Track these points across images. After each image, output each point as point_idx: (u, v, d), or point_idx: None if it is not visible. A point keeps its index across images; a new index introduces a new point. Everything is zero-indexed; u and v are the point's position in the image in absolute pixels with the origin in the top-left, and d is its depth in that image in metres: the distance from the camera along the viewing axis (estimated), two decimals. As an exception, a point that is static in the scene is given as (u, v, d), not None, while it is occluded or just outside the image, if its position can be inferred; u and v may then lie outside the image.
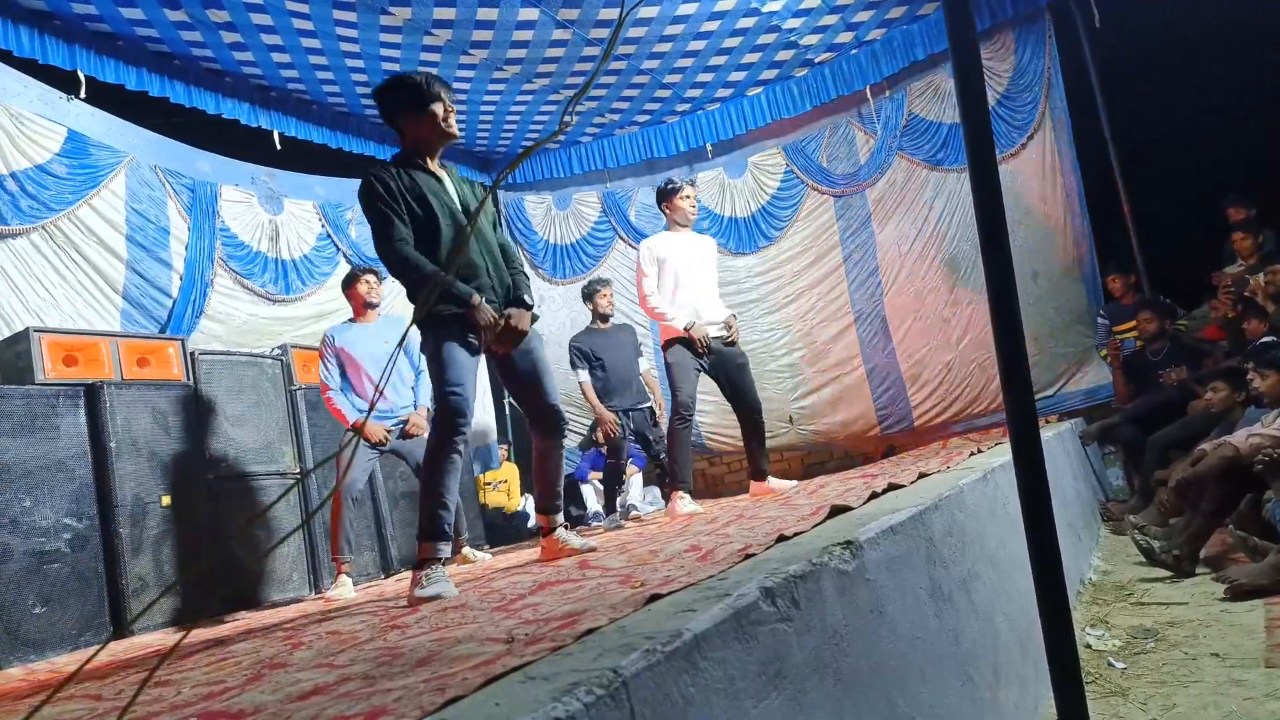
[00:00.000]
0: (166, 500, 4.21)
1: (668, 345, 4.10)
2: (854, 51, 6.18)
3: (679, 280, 4.12)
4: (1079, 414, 5.90)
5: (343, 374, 4.28)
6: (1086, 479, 5.12)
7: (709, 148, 6.82)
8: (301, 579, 4.73)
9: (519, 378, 2.84)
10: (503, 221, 7.69)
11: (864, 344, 6.48)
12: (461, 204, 2.73)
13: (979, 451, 3.76)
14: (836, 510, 1.86)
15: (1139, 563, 3.62)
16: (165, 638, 3.64)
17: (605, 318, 5.19)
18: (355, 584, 4.25)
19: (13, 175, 4.45)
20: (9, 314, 4.39)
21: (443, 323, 2.60)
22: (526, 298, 2.81)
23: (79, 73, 4.72)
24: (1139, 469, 4.98)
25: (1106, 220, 6.04)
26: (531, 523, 6.77)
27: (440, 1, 4.74)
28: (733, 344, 4.18)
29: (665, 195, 4.25)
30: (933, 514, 1.82)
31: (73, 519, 3.86)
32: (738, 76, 6.25)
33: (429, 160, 2.72)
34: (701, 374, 4.16)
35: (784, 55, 6.05)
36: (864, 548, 1.41)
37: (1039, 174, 5.98)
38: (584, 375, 5.08)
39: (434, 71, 2.79)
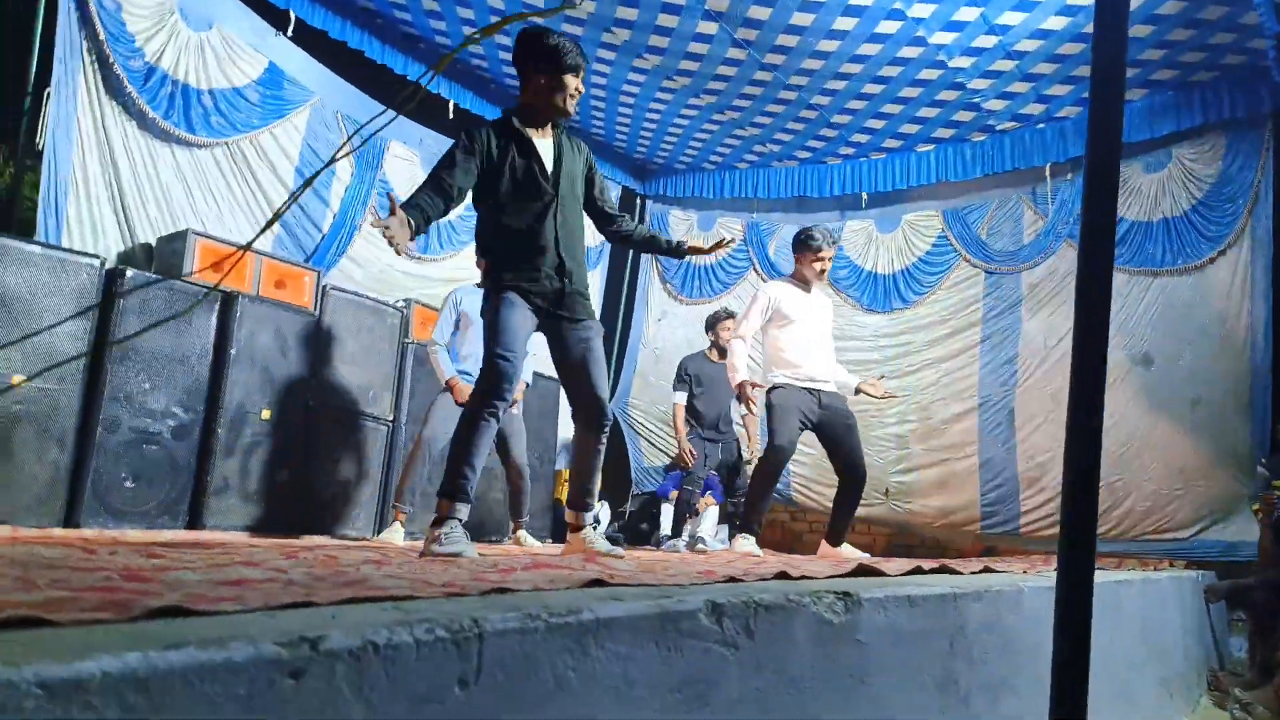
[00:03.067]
0: (267, 414, 4.45)
1: (774, 388, 3.98)
2: (1040, 125, 5.82)
3: (798, 330, 4.01)
4: (1213, 566, 5.25)
5: (455, 334, 4.43)
6: (1200, 638, 4.54)
7: (864, 196, 6.61)
8: (367, 522, 4.88)
9: (569, 363, 2.78)
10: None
11: (983, 432, 6.05)
12: (564, 172, 2.69)
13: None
14: (865, 570, 1.70)
15: (1235, 740, 3.16)
16: (233, 537, 3.83)
17: (723, 351, 5.16)
18: (410, 537, 4.34)
19: (210, 92, 4.87)
20: (177, 214, 4.79)
21: (504, 287, 2.61)
22: (665, 240, 3.07)
23: (290, 12, 5.14)
24: (1265, 642, 4.37)
25: (1293, 361, 5.38)
26: (602, 527, 6.73)
27: (624, 0, 4.83)
28: (884, 396, 4.17)
29: (804, 247, 4.07)
30: (971, 602, 1.62)
31: (180, 409, 4.13)
32: (909, 129, 6.02)
33: (535, 129, 2.67)
34: (806, 428, 4.02)
35: (963, 116, 5.78)
36: (864, 605, 1.25)
37: (1224, 294, 5.40)
38: (680, 397, 5.08)
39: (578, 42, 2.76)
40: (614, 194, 2.90)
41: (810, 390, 3.93)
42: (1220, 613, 5.09)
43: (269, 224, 1.33)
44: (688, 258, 3.34)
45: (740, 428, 5.25)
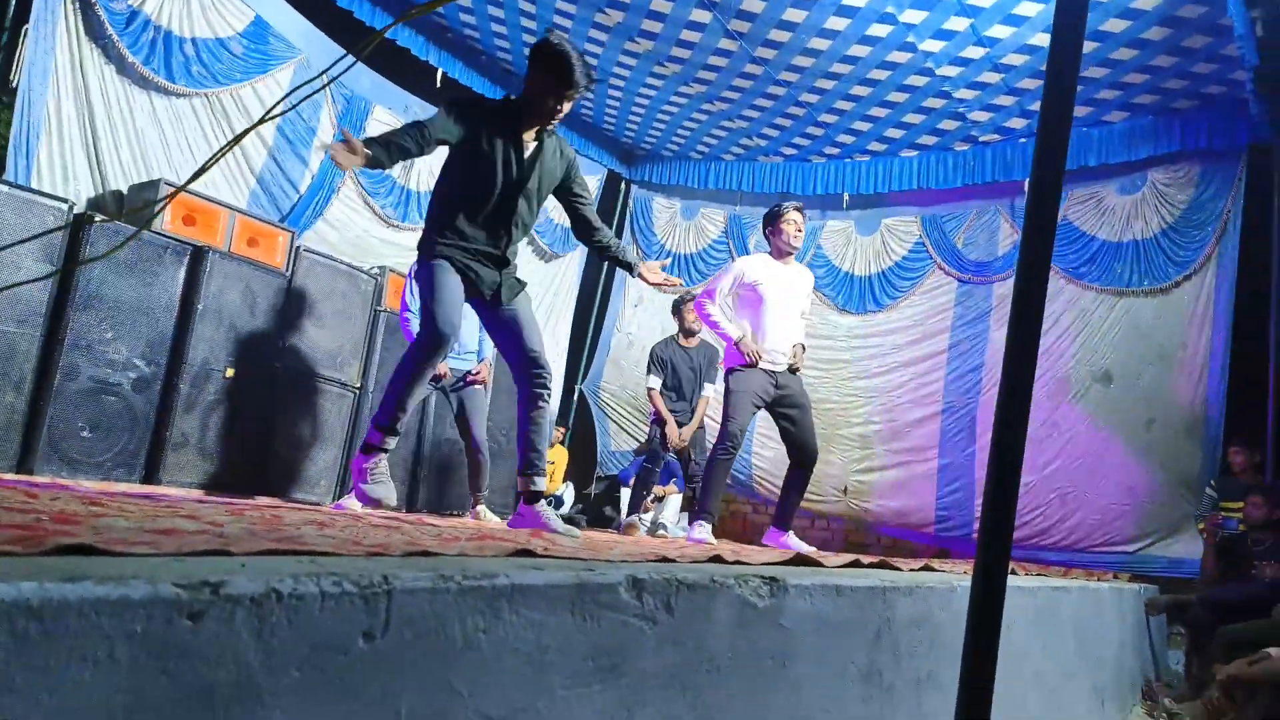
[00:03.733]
0: (230, 372, 4.41)
1: (731, 371, 3.99)
2: (1023, 140, 5.89)
3: (768, 309, 3.98)
4: (1155, 581, 5.39)
5: None
6: (1137, 650, 4.66)
7: (846, 197, 6.65)
8: (328, 487, 4.87)
9: (502, 327, 2.95)
10: (629, 217, 7.75)
11: (945, 438, 6.15)
12: (538, 169, 2.82)
13: (1028, 573, 3.48)
14: (801, 560, 1.73)
15: (1158, 751, 3.26)
16: (187, 494, 3.81)
17: (691, 333, 5.19)
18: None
19: (192, 41, 4.80)
20: (151, 162, 4.72)
21: (441, 254, 2.76)
22: (630, 258, 3.13)
23: (280, -34, 5.07)
24: (1201, 657, 4.50)
25: (1247, 388, 5.50)
26: (565, 508, 6.76)
27: (620, -19, 4.82)
28: (794, 371, 4.01)
29: (771, 219, 4.08)
30: (902, 596, 1.67)
31: (142, 362, 4.09)
32: (894, 134, 6.07)
33: (525, 125, 2.78)
34: (761, 409, 4.03)
35: (948, 125, 5.83)
36: (790, 591, 1.29)
37: (1185, 319, 5.52)
38: (654, 382, 5.11)
39: (595, 65, 2.90)
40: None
41: (768, 372, 3.94)
42: (1160, 626, 5.22)
43: (203, 168, 1.33)
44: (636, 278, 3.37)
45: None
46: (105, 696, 0.52)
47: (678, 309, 5.24)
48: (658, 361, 5.15)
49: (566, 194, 3.01)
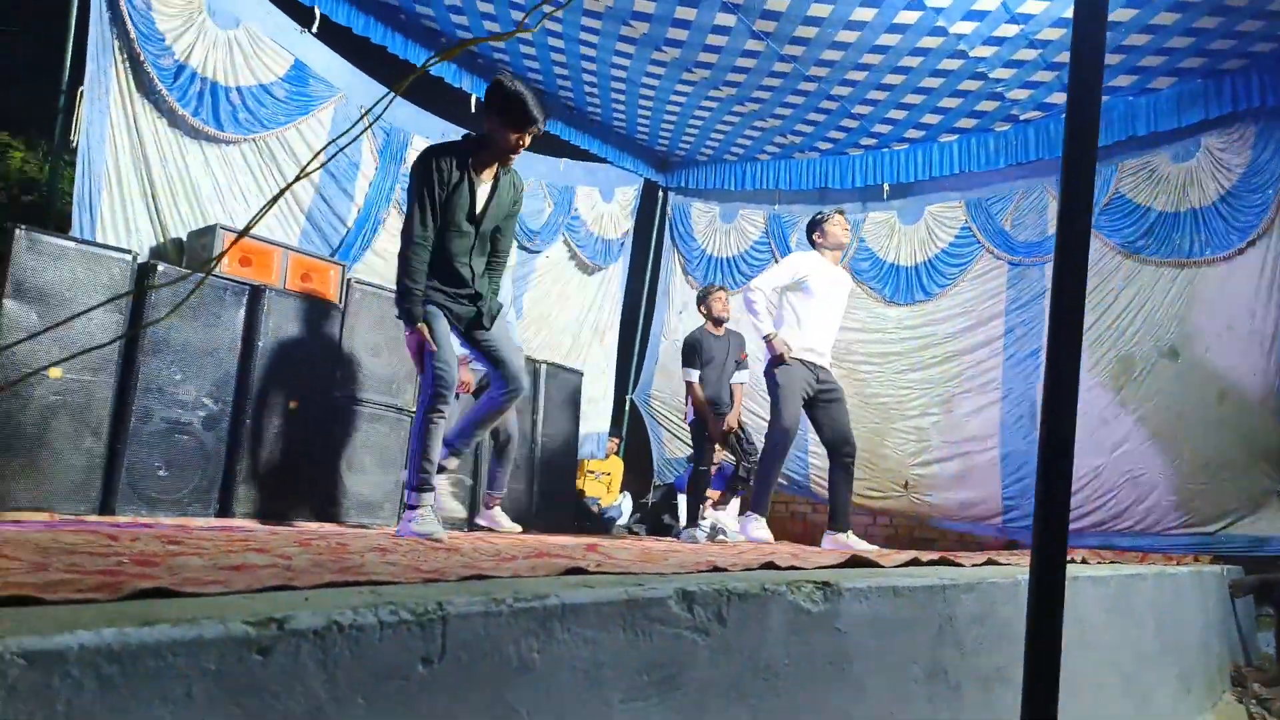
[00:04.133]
0: (294, 405, 4.55)
1: (775, 366, 3.99)
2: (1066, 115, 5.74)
3: (818, 305, 4.02)
4: (1240, 561, 5.18)
5: None
6: (1224, 633, 4.48)
7: (886, 188, 6.57)
8: (392, 511, 4.98)
9: (483, 354, 3.23)
10: (668, 224, 7.77)
11: (1005, 425, 6.01)
12: (493, 206, 3.05)
13: (1101, 561, 3.39)
14: (859, 561, 1.72)
15: (1251, 737, 3.13)
16: (259, 525, 3.94)
17: (719, 321, 5.17)
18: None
19: (238, 89, 4.98)
20: (206, 209, 4.92)
21: (428, 301, 3.04)
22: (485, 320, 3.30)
23: (316, 9, 5.23)
24: (1292, 638, 4.31)
25: (1325, 353, 5.26)
26: (622, 521, 6.79)
27: (642, -6, 4.86)
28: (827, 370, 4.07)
29: (816, 225, 4.20)
30: (962, 593, 1.65)
31: (210, 400, 4.25)
32: (931, 119, 5.98)
33: (484, 165, 3.01)
34: (804, 402, 4.03)
35: (986, 106, 5.72)
36: (844, 595, 1.29)
37: (1252, 286, 5.30)
38: (693, 375, 5.08)
39: (544, 99, 3.34)
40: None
41: (811, 365, 3.95)
42: (1247, 608, 5.02)
43: (262, 212, 1.40)
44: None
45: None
46: (184, 732, 0.56)
47: (704, 299, 5.23)
48: (695, 351, 5.10)
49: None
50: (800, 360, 3.93)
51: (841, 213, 4.21)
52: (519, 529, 4.41)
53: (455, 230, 3.01)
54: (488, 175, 3.03)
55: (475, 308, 3.15)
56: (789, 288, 4.06)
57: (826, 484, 6.57)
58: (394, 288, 5.09)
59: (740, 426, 5.07)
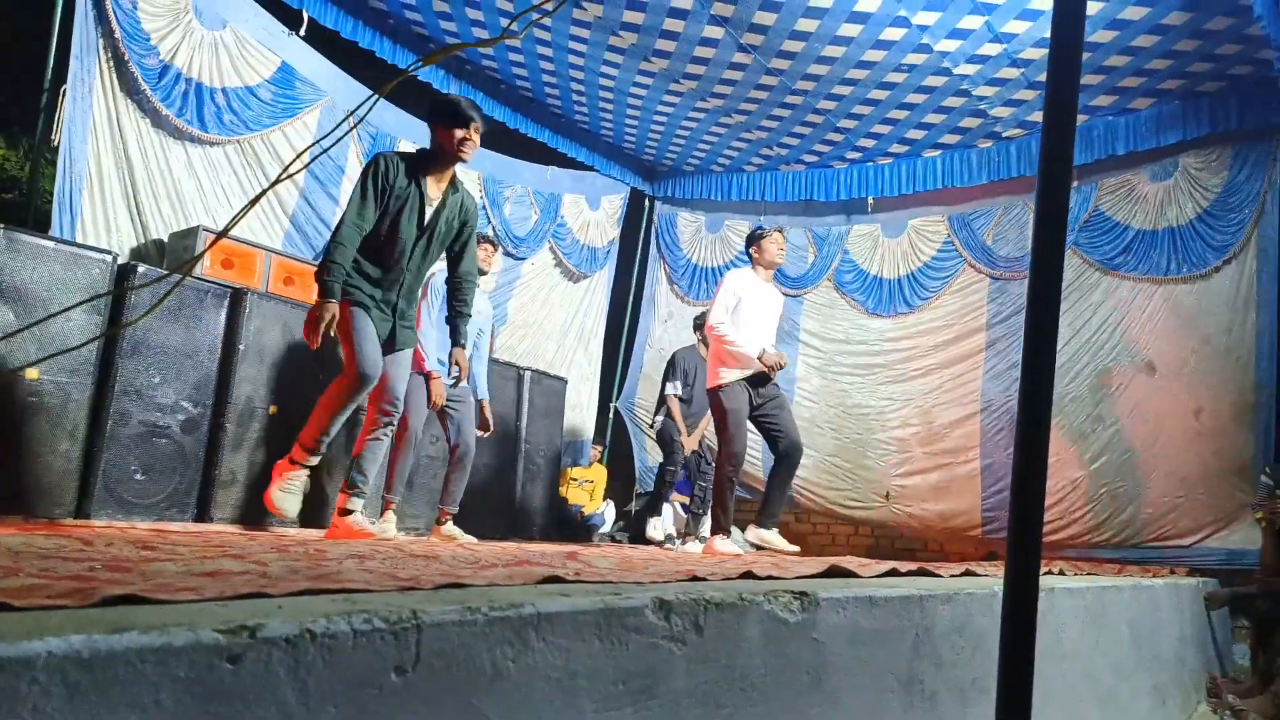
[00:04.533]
0: (274, 410, 4.52)
1: (722, 389, 4.03)
2: (1047, 133, 5.81)
3: (750, 320, 4.14)
4: (1215, 574, 5.24)
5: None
6: (1200, 645, 4.53)
7: (870, 201, 6.62)
8: (373, 514, 4.94)
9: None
10: (654, 233, 7.78)
11: (985, 437, 6.06)
12: (441, 221, 3.16)
13: (1078, 573, 3.42)
14: (837, 571, 1.73)
15: (1224, 749, 3.16)
16: (237, 531, 3.91)
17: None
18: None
19: (223, 90, 4.96)
20: (189, 210, 4.88)
21: (355, 300, 3.09)
22: (461, 339, 3.47)
23: (304, 12, 5.22)
24: (1266, 650, 4.36)
25: (1298, 370, 5.35)
26: (605, 529, 6.78)
27: (631, 4, 4.88)
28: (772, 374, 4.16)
29: (754, 240, 4.31)
30: (939, 604, 1.66)
31: (189, 404, 4.20)
32: (915, 135, 6.04)
33: (435, 174, 3.12)
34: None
35: (969, 122, 5.79)
36: (821, 605, 1.29)
37: (1229, 303, 5.39)
38: (671, 388, 5.19)
39: (475, 102, 3.45)
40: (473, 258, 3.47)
41: (748, 382, 4.05)
42: (1223, 620, 5.08)
43: (242, 213, 1.39)
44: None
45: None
46: (152, 740, 0.55)
47: (700, 325, 5.31)
48: (677, 368, 5.24)
49: (455, 240, 3.34)
50: (740, 383, 4.01)
51: (780, 231, 4.34)
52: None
53: (398, 237, 3.08)
54: (436, 190, 3.15)
55: (393, 320, 3.25)
56: (735, 308, 4.15)
57: (811, 495, 6.64)
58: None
59: (699, 449, 5.20)
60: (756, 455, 5.92)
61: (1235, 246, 5.33)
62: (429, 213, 3.14)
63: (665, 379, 5.25)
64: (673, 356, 5.29)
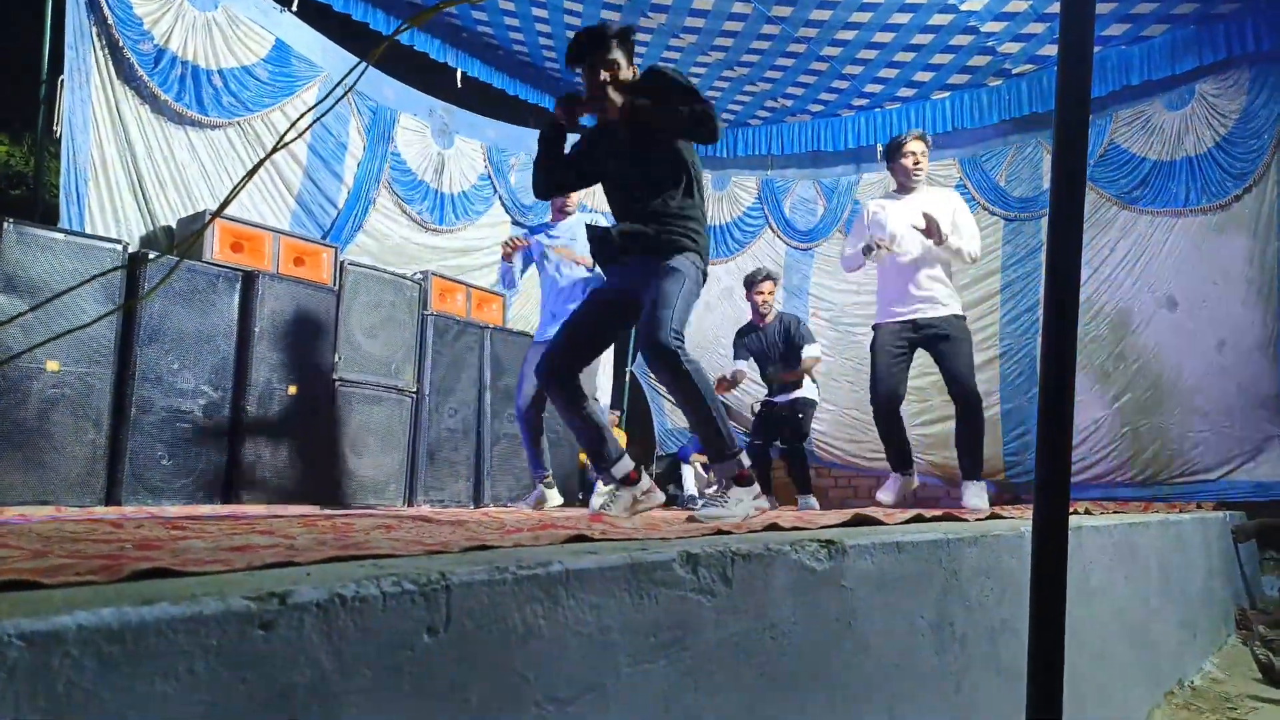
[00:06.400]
0: (293, 390, 4.55)
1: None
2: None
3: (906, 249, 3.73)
4: (1242, 507, 5.22)
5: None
6: (1227, 578, 4.52)
7: (879, 148, 6.51)
8: (398, 490, 5.00)
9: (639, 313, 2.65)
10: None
11: (1005, 382, 6.01)
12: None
13: (1104, 512, 3.40)
14: (861, 519, 1.73)
15: (1256, 678, 3.17)
16: (265, 510, 3.96)
17: (762, 315, 5.25)
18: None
19: (219, 72, 4.92)
20: (195, 195, 4.87)
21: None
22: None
23: (294, -13, 5.16)
24: (1295, 581, 4.35)
25: (1323, 297, 5.25)
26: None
27: (625, -41, 4.78)
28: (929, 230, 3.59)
29: (890, 153, 3.84)
30: (966, 547, 1.65)
31: (210, 388, 4.24)
32: (923, 77, 5.91)
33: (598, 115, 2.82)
34: (901, 359, 3.84)
35: (978, 61, 5.66)
36: (848, 553, 1.29)
37: (1249, 232, 5.28)
38: (741, 365, 5.23)
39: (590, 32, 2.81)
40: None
41: (900, 323, 3.80)
42: (1250, 553, 5.06)
43: (233, 193, 1.38)
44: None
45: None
46: (188, 709, 0.55)
47: (750, 286, 5.29)
48: (743, 347, 5.28)
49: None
50: (886, 323, 3.87)
51: (921, 137, 3.83)
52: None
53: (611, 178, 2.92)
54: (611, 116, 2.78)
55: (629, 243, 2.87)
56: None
57: (829, 448, 6.63)
58: (388, 269, 5.13)
59: (798, 410, 5.19)
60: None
61: (1255, 174, 5.21)
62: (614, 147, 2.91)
63: (736, 358, 5.31)
64: (735, 336, 5.38)
